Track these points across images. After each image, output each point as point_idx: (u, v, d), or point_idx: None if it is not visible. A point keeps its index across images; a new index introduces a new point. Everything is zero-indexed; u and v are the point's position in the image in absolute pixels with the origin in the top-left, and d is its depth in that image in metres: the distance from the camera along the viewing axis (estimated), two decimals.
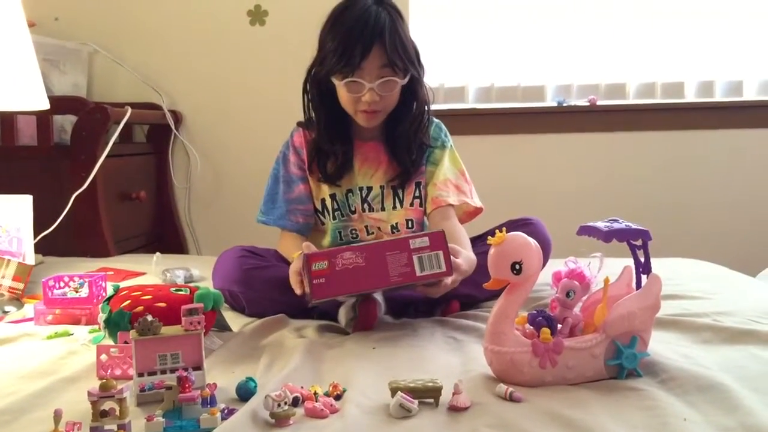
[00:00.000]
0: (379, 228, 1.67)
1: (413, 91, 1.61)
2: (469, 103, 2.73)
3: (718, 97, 2.68)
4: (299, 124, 1.71)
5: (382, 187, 1.66)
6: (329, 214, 1.67)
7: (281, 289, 1.47)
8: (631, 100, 2.71)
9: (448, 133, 1.73)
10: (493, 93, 2.74)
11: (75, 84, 2.70)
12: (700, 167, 2.70)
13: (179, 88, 2.80)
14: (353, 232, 1.67)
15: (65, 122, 2.43)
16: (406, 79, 1.57)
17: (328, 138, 1.64)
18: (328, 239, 1.68)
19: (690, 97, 2.68)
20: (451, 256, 1.34)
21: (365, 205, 1.67)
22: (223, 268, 1.58)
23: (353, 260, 1.32)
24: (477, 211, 1.70)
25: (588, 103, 2.69)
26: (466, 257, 1.41)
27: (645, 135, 2.71)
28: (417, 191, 1.67)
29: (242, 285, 1.53)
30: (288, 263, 1.59)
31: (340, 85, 1.56)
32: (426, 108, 1.65)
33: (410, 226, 1.67)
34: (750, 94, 2.67)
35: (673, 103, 2.69)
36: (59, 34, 2.72)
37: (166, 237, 2.78)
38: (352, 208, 1.67)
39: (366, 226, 1.66)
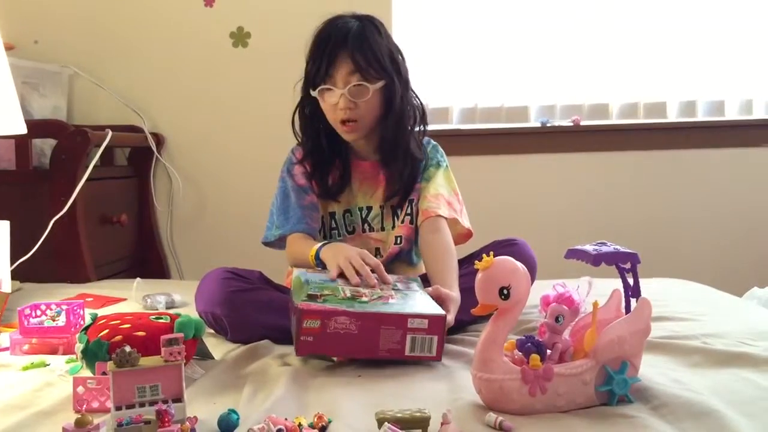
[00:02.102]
0: (377, 251, 1.68)
1: (389, 99, 1.62)
2: (453, 124, 2.73)
3: (701, 116, 2.69)
4: (298, 146, 1.74)
5: (382, 207, 1.68)
6: (326, 233, 1.69)
7: (266, 312, 1.46)
8: (614, 120, 2.72)
9: (444, 155, 1.76)
10: (476, 114, 2.74)
11: (55, 107, 2.67)
12: (684, 186, 2.71)
13: (161, 111, 2.78)
14: None
15: (45, 146, 2.39)
16: (379, 85, 1.59)
17: (325, 158, 1.68)
18: None
19: (672, 116, 2.70)
20: (443, 313, 1.33)
21: (365, 225, 1.69)
22: (207, 290, 1.55)
23: (346, 326, 1.29)
24: (468, 234, 1.72)
25: (572, 124, 2.70)
26: (455, 304, 1.43)
27: (628, 155, 2.72)
28: (409, 208, 1.68)
29: (226, 308, 1.50)
30: (275, 287, 1.61)
31: (320, 98, 1.61)
32: (405, 114, 1.65)
33: (398, 242, 1.67)
34: (732, 113, 2.69)
35: (655, 123, 2.70)
36: (39, 56, 2.69)
37: (148, 261, 2.74)
38: (350, 228, 1.69)
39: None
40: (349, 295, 1.35)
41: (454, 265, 1.57)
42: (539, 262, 1.64)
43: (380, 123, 1.65)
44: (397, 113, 1.64)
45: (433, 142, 1.76)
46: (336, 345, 1.29)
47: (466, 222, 1.71)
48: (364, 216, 1.69)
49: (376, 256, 1.64)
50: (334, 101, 1.59)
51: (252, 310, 1.49)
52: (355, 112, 1.59)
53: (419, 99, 1.71)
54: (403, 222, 1.68)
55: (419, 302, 1.36)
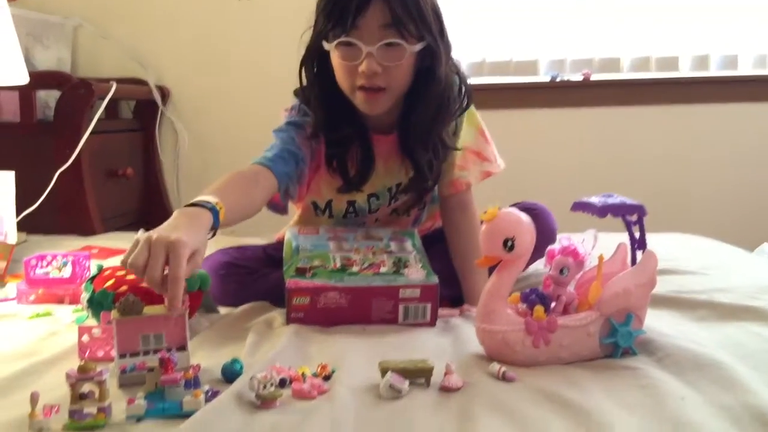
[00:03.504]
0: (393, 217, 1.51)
1: (430, 69, 1.30)
2: None
3: (713, 71, 2.64)
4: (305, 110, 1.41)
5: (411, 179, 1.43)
6: (335, 215, 1.48)
7: (270, 301, 1.39)
8: (625, 74, 2.67)
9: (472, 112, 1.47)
10: (485, 68, 2.70)
11: (59, 59, 2.64)
12: (695, 141, 2.68)
13: (166, 63, 2.75)
14: (350, 215, 1.50)
15: (49, 98, 2.38)
16: (418, 47, 1.27)
17: (342, 136, 1.37)
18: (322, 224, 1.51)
19: (685, 70, 2.65)
20: (435, 282, 1.28)
21: (392, 201, 1.47)
22: None
23: (336, 301, 1.28)
24: (489, 175, 1.49)
25: (582, 78, 2.65)
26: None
27: (639, 109, 2.68)
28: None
29: (228, 301, 1.40)
30: (279, 262, 1.37)
31: (333, 52, 1.28)
32: (449, 94, 1.34)
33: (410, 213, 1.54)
34: (745, 68, 2.64)
35: (668, 78, 2.65)
36: (43, 7, 2.65)
37: (155, 215, 2.72)
38: (374, 209, 1.47)
39: (377, 220, 1.51)
40: (339, 265, 1.33)
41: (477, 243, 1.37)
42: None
43: (407, 97, 1.35)
44: (439, 88, 1.32)
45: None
46: (327, 318, 1.28)
47: (499, 162, 1.49)
48: (392, 193, 1.45)
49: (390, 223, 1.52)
50: (355, 61, 1.26)
51: (254, 300, 1.40)
52: (382, 79, 1.27)
53: (462, 71, 1.40)
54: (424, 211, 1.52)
55: (412, 268, 1.33)
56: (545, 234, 1.11)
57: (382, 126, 1.40)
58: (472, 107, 1.45)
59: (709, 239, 1.94)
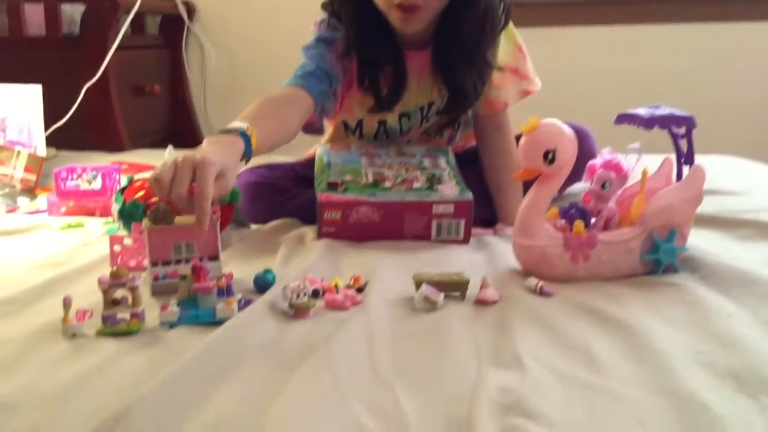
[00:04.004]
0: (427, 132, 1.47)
1: None
2: None
3: None
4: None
5: (443, 97, 1.39)
6: (366, 135, 1.44)
7: (303, 219, 1.36)
8: None
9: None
10: None
11: None
12: (737, 60, 2.56)
13: None
14: (382, 135, 1.46)
15: (75, 12, 2.33)
16: None
17: (372, 46, 1.32)
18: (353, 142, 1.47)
19: None
20: (470, 198, 1.24)
21: (424, 121, 1.43)
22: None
23: (368, 215, 1.25)
24: (527, 94, 1.44)
25: None
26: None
27: (680, 27, 2.56)
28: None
29: (258, 221, 1.38)
30: (307, 182, 1.36)
31: None
32: (492, 10, 1.30)
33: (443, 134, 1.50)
34: None
35: None
36: None
37: (182, 133, 2.72)
38: (406, 130, 1.43)
39: (408, 141, 1.47)
40: (371, 180, 1.30)
41: (513, 162, 1.36)
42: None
43: (443, 13, 1.29)
44: (481, 4, 1.27)
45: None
46: (359, 233, 1.26)
47: (536, 81, 1.43)
48: (424, 113, 1.41)
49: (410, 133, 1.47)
50: None
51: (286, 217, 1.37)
52: None
53: None
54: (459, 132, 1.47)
55: (446, 184, 1.30)
56: (585, 157, 1.06)
57: (416, 41, 1.35)
58: (509, 28, 1.39)
59: (749, 160, 1.87)
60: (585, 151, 1.20)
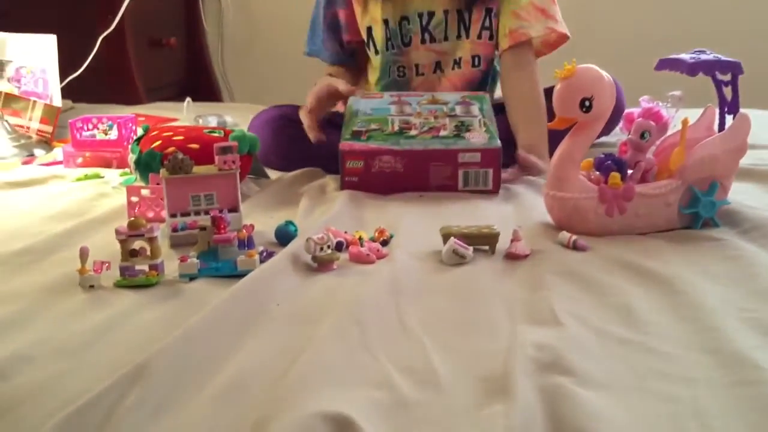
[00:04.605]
0: (437, 65, 1.46)
1: None
2: None
3: None
4: None
5: (446, 12, 1.42)
6: (378, 45, 1.46)
7: (322, 160, 1.34)
8: None
9: None
10: None
11: None
12: None
13: None
14: (401, 69, 1.47)
15: None
16: None
17: None
18: (376, 75, 1.50)
19: None
20: (498, 145, 1.21)
21: (425, 35, 1.44)
22: (259, 135, 1.43)
23: (392, 165, 1.22)
24: (561, 38, 1.44)
25: None
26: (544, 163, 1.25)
27: None
28: (487, 20, 1.42)
29: (279, 156, 1.39)
30: (329, 121, 1.41)
31: None
32: None
33: (476, 63, 1.46)
34: None
35: None
36: None
37: (199, 85, 2.66)
38: (407, 39, 1.45)
39: (417, 65, 1.46)
40: (397, 128, 1.26)
41: (543, 119, 1.31)
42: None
43: None
44: None
45: None
46: (383, 183, 1.22)
47: (561, 26, 1.42)
48: (424, 24, 1.43)
49: (435, 71, 1.47)
50: None
51: (305, 158, 1.37)
52: None
53: None
54: (480, 37, 1.43)
55: (474, 132, 1.25)
56: (614, 109, 1.01)
57: None
58: None
59: None
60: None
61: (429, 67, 1.47)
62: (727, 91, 1.03)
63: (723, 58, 0.99)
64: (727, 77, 1.01)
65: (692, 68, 0.97)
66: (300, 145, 1.38)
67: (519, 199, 1.19)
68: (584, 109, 0.97)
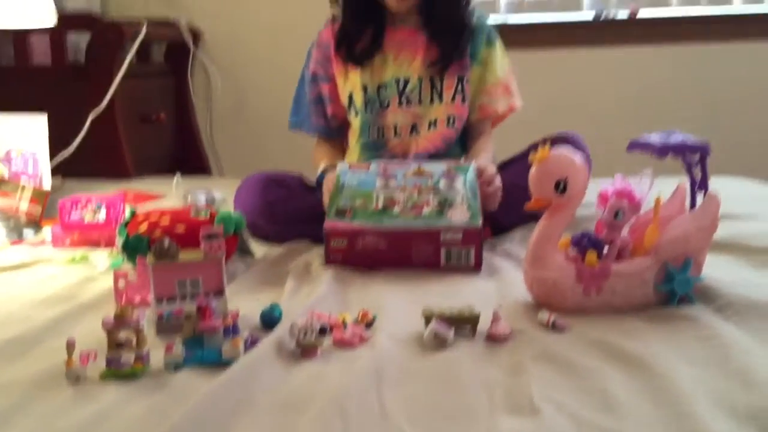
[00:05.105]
0: (414, 126, 1.54)
1: None
2: (501, 15, 2.58)
3: (767, 5, 2.48)
4: (330, 20, 1.62)
5: (420, 79, 1.54)
6: (358, 108, 1.56)
7: (306, 221, 1.41)
8: (674, 10, 2.53)
9: (493, 27, 1.62)
10: (525, 4, 2.58)
11: (88, 0, 2.59)
12: (747, 80, 2.54)
13: (197, 3, 2.67)
14: (380, 130, 1.56)
15: (80, 41, 2.33)
16: None
17: (357, 17, 1.54)
18: (356, 136, 1.58)
19: (738, 5, 2.50)
20: (479, 225, 1.26)
21: (402, 98, 1.54)
22: (245, 198, 1.49)
23: (375, 243, 1.25)
24: (513, 109, 1.61)
25: (628, 13, 2.52)
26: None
27: (689, 47, 2.54)
28: (459, 86, 1.54)
29: (265, 217, 1.45)
30: (312, 189, 1.52)
31: None
32: None
33: (451, 123, 1.54)
34: None
35: (719, 14, 2.51)
36: None
37: (189, 159, 2.70)
38: (385, 103, 1.55)
39: (395, 126, 1.54)
40: (381, 205, 1.29)
41: (492, 157, 1.55)
42: (593, 161, 1.54)
43: None
44: None
45: (479, 10, 1.61)
46: (366, 260, 1.25)
47: (518, 100, 1.61)
48: (400, 89, 1.54)
49: (411, 132, 1.55)
50: None
51: (291, 221, 1.45)
52: None
53: None
54: (454, 101, 1.54)
55: (456, 209, 1.28)
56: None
57: (401, 19, 1.54)
58: (501, 45, 1.61)
59: (761, 183, 1.85)
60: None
61: (406, 128, 1.55)
62: (697, 170, 1.06)
63: (690, 139, 1.03)
64: (696, 158, 1.04)
65: (661, 151, 1.01)
66: (286, 206, 1.47)
67: (501, 274, 1.22)
68: (559, 191, 1.01)
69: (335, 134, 1.64)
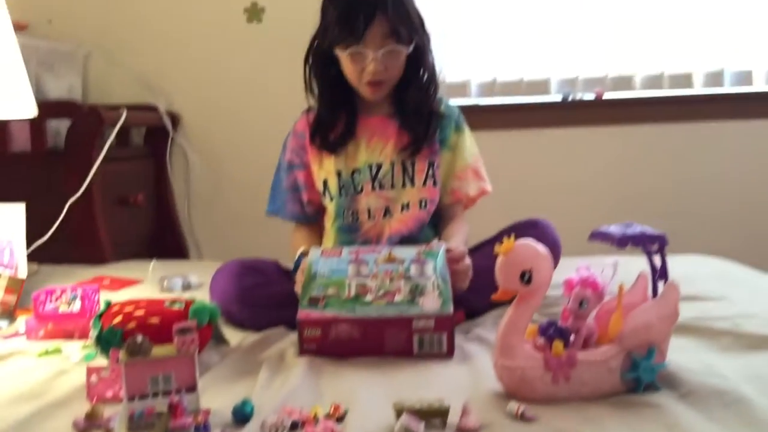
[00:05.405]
0: (387, 209, 1.59)
1: (419, 59, 1.57)
2: (472, 98, 2.67)
3: (728, 87, 2.60)
4: (306, 110, 1.68)
5: (392, 164, 1.60)
6: (333, 193, 1.61)
7: (281, 307, 1.42)
8: (638, 92, 2.63)
9: (461, 113, 1.69)
10: (496, 87, 2.67)
11: (70, 86, 2.65)
12: (710, 159, 2.63)
13: (176, 88, 2.74)
14: (354, 214, 1.60)
15: (60, 126, 2.37)
16: (411, 48, 1.53)
17: (331, 107, 1.61)
18: (331, 220, 1.63)
19: (698, 87, 2.61)
20: (450, 312, 1.28)
21: (375, 183, 1.60)
22: (221, 285, 1.51)
23: (348, 332, 1.27)
24: (484, 193, 1.67)
25: (594, 96, 2.62)
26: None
27: (653, 128, 2.64)
28: (430, 170, 1.60)
29: (240, 304, 1.47)
30: (288, 274, 1.54)
31: (344, 56, 1.53)
32: (434, 75, 1.62)
33: (423, 205, 1.59)
34: (760, 83, 2.60)
35: (681, 95, 2.61)
36: (54, 35, 2.67)
37: (167, 242, 2.72)
38: (359, 188, 1.60)
39: (369, 209, 1.60)
40: (353, 293, 1.32)
41: (465, 239, 1.60)
42: (563, 239, 1.59)
43: (401, 82, 1.59)
44: (427, 77, 1.60)
45: (445, 99, 1.70)
46: (340, 349, 1.27)
47: (488, 185, 1.67)
48: (373, 174, 1.60)
49: (385, 215, 1.59)
50: (363, 63, 1.51)
51: (267, 307, 1.47)
52: (384, 74, 1.53)
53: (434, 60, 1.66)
54: (425, 184, 1.60)
55: (428, 296, 1.30)
56: (552, 247, 1.13)
57: (371, 109, 1.62)
58: (469, 131, 1.69)
59: (727, 261, 1.90)
60: (546, 242, 1.25)
61: (380, 211, 1.60)
62: (657, 258, 1.10)
63: (648, 231, 1.08)
64: (655, 248, 1.08)
65: (621, 242, 1.05)
66: (261, 292, 1.49)
67: (473, 361, 1.23)
68: (524, 282, 1.04)
69: (312, 220, 1.68)
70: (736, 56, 2.59)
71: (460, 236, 1.59)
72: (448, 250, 1.41)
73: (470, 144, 1.68)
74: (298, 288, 1.40)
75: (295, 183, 1.66)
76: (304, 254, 1.46)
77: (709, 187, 2.63)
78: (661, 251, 1.09)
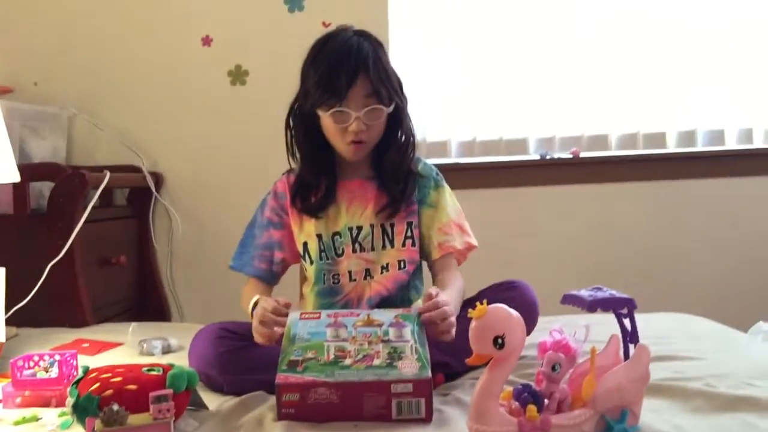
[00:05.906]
0: (367, 271, 1.61)
1: (398, 120, 1.61)
2: (452, 158, 2.72)
3: (700, 146, 2.67)
4: (287, 172, 1.71)
5: (372, 226, 1.62)
6: (313, 257, 1.63)
7: (261, 370, 1.41)
8: (613, 151, 2.70)
9: (439, 172, 1.72)
10: (475, 147, 2.73)
11: (54, 148, 2.67)
12: (685, 217, 2.69)
13: (160, 150, 2.78)
14: (335, 277, 1.62)
15: (44, 187, 2.39)
16: (392, 108, 1.56)
17: (312, 171, 1.63)
18: (312, 287, 1.64)
19: (672, 146, 2.68)
20: (428, 376, 1.28)
21: (356, 245, 1.62)
22: (199, 350, 1.51)
23: (327, 396, 1.27)
24: (471, 248, 1.68)
25: (571, 155, 2.69)
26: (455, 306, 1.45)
27: (628, 186, 2.70)
28: (409, 231, 1.63)
29: (219, 368, 1.47)
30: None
31: (326, 117, 1.55)
32: (412, 136, 1.65)
33: (402, 267, 1.61)
34: (731, 142, 2.67)
35: (655, 153, 2.69)
36: (38, 98, 2.71)
37: (148, 302, 2.72)
38: (339, 251, 1.63)
39: (349, 272, 1.61)
40: (332, 357, 1.32)
41: (461, 297, 1.57)
42: (540, 296, 1.60)
43: (380, 144, 1.62)
44: (405, 139, 1.64)
45: (423, 159, 1.73)
46: (318, 414, 1.27)
47: (473, 240, 1.69)
48: (354, 236, 1.62)
49: (365, 277, 1.61)
50: (346, 123, 1.53)
51: (246, 370, 1.46)
52: (366, 134, 1.56)
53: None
54: (404, 245, 1.62)
55: (406, 360, 1.31)
56: (526, 309, 1.14)
57: (353, 171, 1.65)
58: (449, 189, 1.71)
59: (701, 319, 1.92)
60: (524, 303, 1.30)
61: (360, 273, 1.62)
62: (626, 322, 1.12)
63: (617, 294, 1.10)
64: (625, 311, 1.11)
65: (591, 306, 1.08)
66: (239, 356, 1.48)
67: (450, 426, 1.23)
68: (497, 347, 1.05)
69: (272, 280, 1.71)
70: (709, 116, 2.68)
71: (451, 288, 1.56)
72: (427, 296, 1.40)
73: (452, 200, 1.70)
74: (258, 338, 1.42)
75: (269, 241, 1.68)
76: (259, 301, 1.47)
77: (683, 244, 2.68)
78: (631, 314, 1.12)
